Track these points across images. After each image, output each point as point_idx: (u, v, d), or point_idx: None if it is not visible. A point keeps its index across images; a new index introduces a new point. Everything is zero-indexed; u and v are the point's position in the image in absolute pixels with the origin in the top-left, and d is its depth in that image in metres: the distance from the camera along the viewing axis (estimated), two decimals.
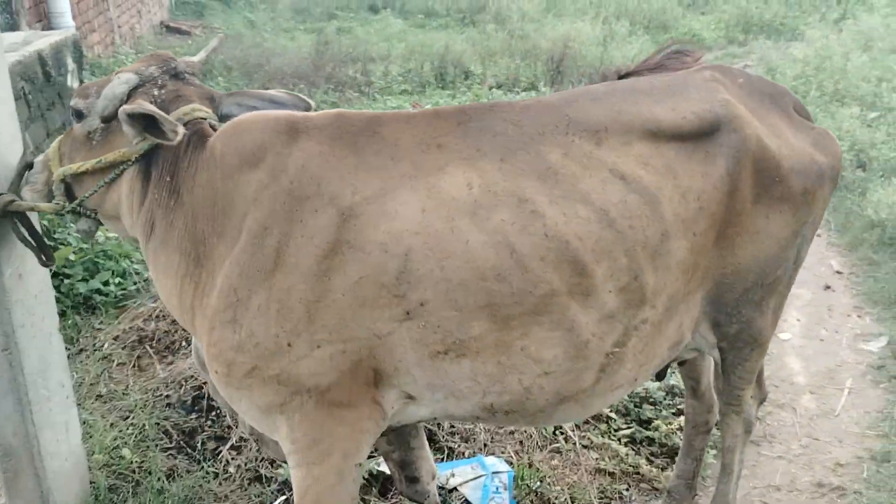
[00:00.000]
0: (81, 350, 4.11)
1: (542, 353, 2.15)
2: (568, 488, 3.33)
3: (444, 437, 3.57)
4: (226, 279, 2.09)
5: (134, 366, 3.97)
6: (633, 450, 3.67)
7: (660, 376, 3.09)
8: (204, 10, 16.69)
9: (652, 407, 3.91)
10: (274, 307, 2.05)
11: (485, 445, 3.55)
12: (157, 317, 4.23)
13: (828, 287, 5.44)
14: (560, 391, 2.22)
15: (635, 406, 3.90)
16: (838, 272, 5.65)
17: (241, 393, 2.17)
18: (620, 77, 2.53)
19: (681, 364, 3.08)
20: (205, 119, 2.29)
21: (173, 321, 4.02)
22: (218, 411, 3.52)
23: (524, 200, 2.08)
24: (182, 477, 3.23)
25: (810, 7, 14.85)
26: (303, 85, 9.52)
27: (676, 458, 3.36)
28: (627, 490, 3.42)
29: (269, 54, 9.97)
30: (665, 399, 3.95)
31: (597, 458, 3.53)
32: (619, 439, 3.70)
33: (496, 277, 2.04)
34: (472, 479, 3.32)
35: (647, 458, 3.65)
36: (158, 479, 3.18)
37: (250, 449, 3.34)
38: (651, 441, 3.74)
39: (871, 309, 5.10)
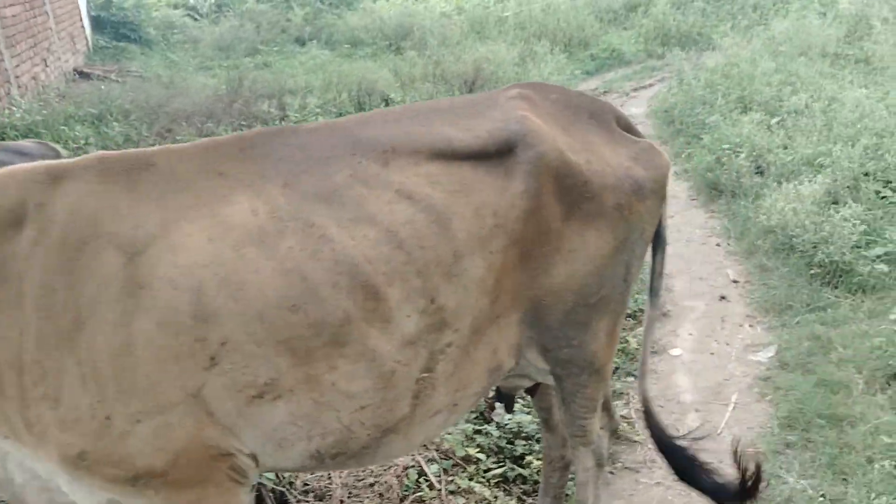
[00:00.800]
0: None
1: (352, 386, 2.01)
2: None
3: (297, 496, 3.34)
4: (25, 355, 1.86)
5: None
6: (505, 490, 3.49)
7: (508, 407, 2.93)
8: (122, 53, 16.44)
9: (525, 442, 3.73)
10: (84, 372, 1.84)
11: (341, 502, 3.34)
12: None
13: (723, 297, 5.34)
14: (379, 424, 2.09)
15: (508, 443, 3.72)
16: (734, 281, 5.56)
17: (77, 485, 1.94)
18: None
19: (530, 394, 2.93)
20: None
21: None
22: None
23: (311, 225, 1.95)
24: None
25: (727, 16, 15.07)
26: (210, 123, 9.32)
27: (537, 497, 3.18)
28: None
29: (172, 94, 9.73)
30: (538, 433, 3.77)
31: None
32: (488, 480, 3.51)
33: (290, 308, 1.89)
34: None
35: (519, 498, 3.46)
36: None
37: None
38: (524, 479, 3.56)
39: (762, 317, 5.00)
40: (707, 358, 4.66)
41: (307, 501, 3.31)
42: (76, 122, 8.41)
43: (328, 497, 3.35)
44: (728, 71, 9.72)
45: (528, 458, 3.63)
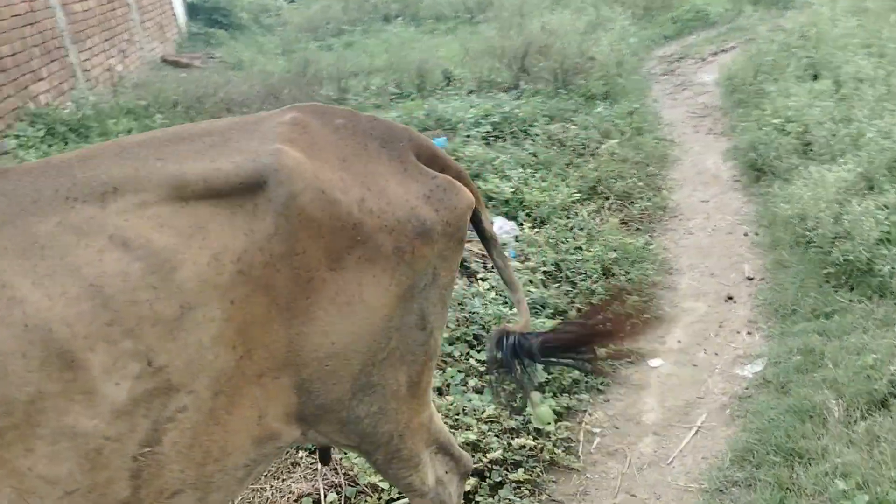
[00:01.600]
0: None
1: (53, 470, 1.75)
2: None
3: None
4: None
5: None
6: None
7: (323, 459, 2.67)
8: (213, 39, 16.85)
9: None
10: None
11: None
12: None
13: (729, 298, 4.80)
14: None
15: None
16: (749, 278, 4.98)
17: None
18: None
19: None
20: None
21: None
22: None
23: (2, 286, 1.70)
24: None
25: None
26: (264, 109, 9.36)
27: None
28: None
29: (226, 83, 9.82)
30: None
31: None
32: None
33: None
34: None
35: None
36: None
37: None
38: None
39: (763, 323, 4.44)
40: (687, 371, 4.18)
41: None
42: (124, 115, 8.62)
43: None
44: (806, 32, 8.80)
45: None
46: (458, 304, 4.39)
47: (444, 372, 3.91)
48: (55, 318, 1.68)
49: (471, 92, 10.02)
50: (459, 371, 3.94)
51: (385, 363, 2.04)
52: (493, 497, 3.26)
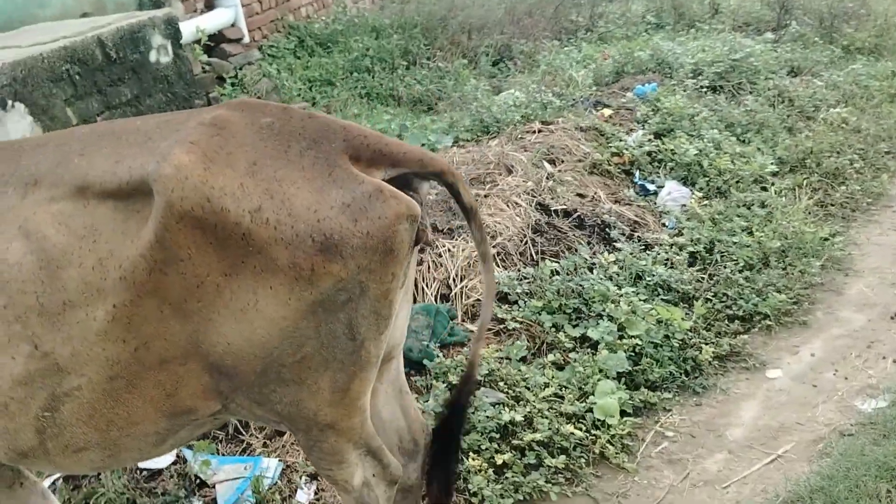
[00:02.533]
0: None
1: None
2: None
3: (251, 433, 3.60)
4: None
5: None
6: None
7: None
8: None
9: None
10: None
11: (283, 446, 3.52)
12: None
13: (894, 317, 4.14)
14: (12, 448, 2.14)
15: None
16: None
17: None
18: None
19: None
20: None
21: None
22: None
23: None
24: None
25: None
26: (501, 35, 9.40)
27: None
28: None
29: (466, 5, 9.91)
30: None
31: None
32: None
33: None
34: (233, 479, 3.35)
35: None
36: None
37: None
38: None
39: None
40: (802, 390, 3.73)
41: (257, 438, 3.55)
42: (368, 33, 9.11)
43: (277, 439, 3.55)
44: None
45: None
46: (567, 273, 4.27)
47: (513, 342, 3.88)
48: None
49: (736, 28, 9.24)
50: (534, 343, 3.90)
51: (300, 365, 2.00)
52: (525, 477, 3.25)
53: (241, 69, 7.60)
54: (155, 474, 3.40)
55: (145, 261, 1.86)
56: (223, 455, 3.50)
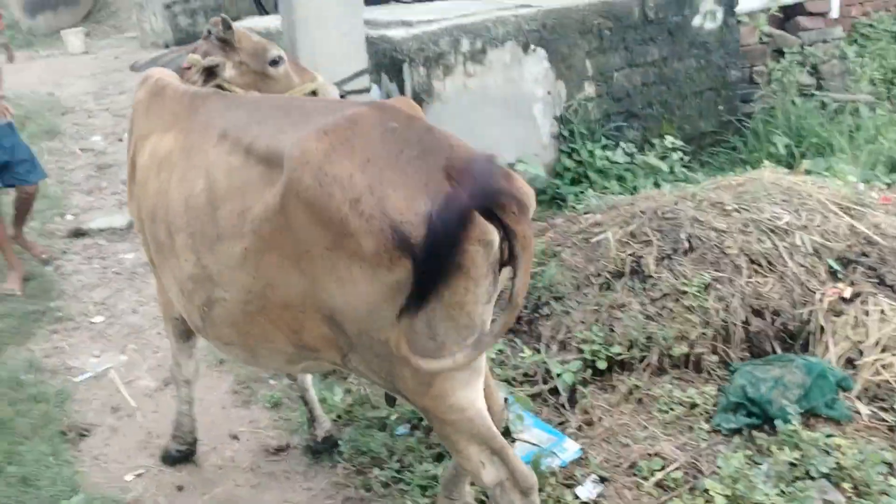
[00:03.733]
0: None
1: (175, 283, 2.74)
2: None
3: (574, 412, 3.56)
4: None
5: None
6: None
7: (390, 400, 2.72)
8: None
9: None
10: None
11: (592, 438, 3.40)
12: None
13: None
14: (190, 321, 2.77)
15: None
16: None
17: None
18: None
19: None
20: None
21: None
22: None
23: (171, 170, 2.64)
24: None
25: None
26: None
27: None
28: None
29: None
30: None
31: None
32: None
33: (151, 220, 2.76)
34: (532, 444, 3.38)
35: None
36: None
37: None
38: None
39: None
40: None
41: None
42: None
43: None
44: None
45: None
46: None
47: None
48: (171, 204, 2.59)
49: None
50: None
51: (385, 346, 2.13)
52: None
53: (810, 45, 6.91)
54: None
55: (269, 222, 2.21)
56: (539, 418, 3.54)
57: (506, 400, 3.49)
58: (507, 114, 5.09)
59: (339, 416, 3.65)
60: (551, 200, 5.20)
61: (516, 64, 5.11)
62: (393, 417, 3.53)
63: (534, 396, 3.58)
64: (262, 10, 7.60)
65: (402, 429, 3.50)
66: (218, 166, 2.44)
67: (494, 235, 2.01)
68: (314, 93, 3.19)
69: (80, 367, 4.35)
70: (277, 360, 2.59)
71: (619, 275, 3.82)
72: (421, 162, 2.07)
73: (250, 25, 4.76)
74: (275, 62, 3.12)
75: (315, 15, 3.61)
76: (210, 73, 3.06)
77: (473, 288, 2.06)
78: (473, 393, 2.25)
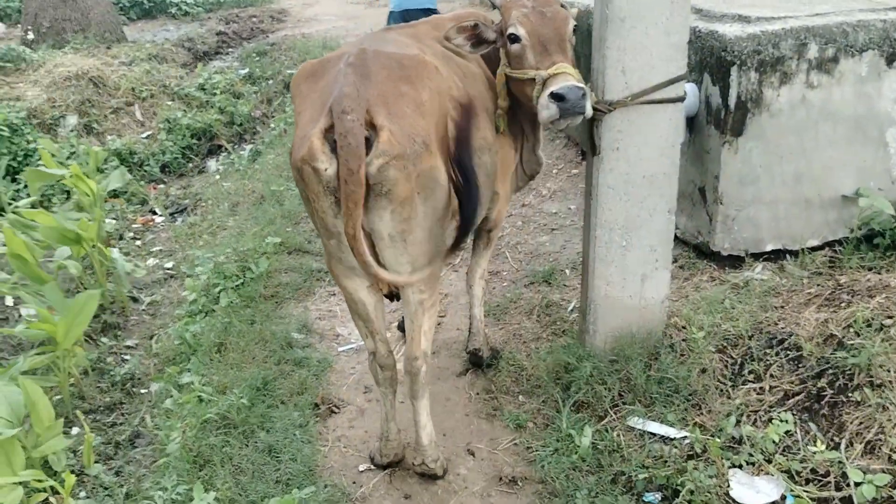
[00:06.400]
0: None
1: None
2: None
3: None
4: None
5: None
6: None
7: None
8: None
9: None
10: None
11: None
12: None
13: None
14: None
15: None
16: None
17: None
18: None
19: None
20: None
21: None
22: None
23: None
24: None
25: None
26: None
27: None
28: None
29: None
30: None
31: None
32: None
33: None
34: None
35: None
36: None
37: None
38: None
39: None
40: None
41: None
42: None
43: None
44: None
45: None
46: None
47: None
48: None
49: None
50: None
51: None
52: None
53: None
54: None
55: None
56: None
57: (783, 498, 2.90)
58: (852, 136, 4.22)
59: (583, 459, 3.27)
60: (894, 247, 4.18)
61: (874, 78, 4.20)
62: (641, 477, 3.09)
63: (819, 501, 2.93)
64: None
65: (651, 496, 3.05)
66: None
67: (314, 156, 2.64)
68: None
69: (345, 337, 4.41)
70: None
71: None
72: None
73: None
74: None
75: (634, 13, 3.14)
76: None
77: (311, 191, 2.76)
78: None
